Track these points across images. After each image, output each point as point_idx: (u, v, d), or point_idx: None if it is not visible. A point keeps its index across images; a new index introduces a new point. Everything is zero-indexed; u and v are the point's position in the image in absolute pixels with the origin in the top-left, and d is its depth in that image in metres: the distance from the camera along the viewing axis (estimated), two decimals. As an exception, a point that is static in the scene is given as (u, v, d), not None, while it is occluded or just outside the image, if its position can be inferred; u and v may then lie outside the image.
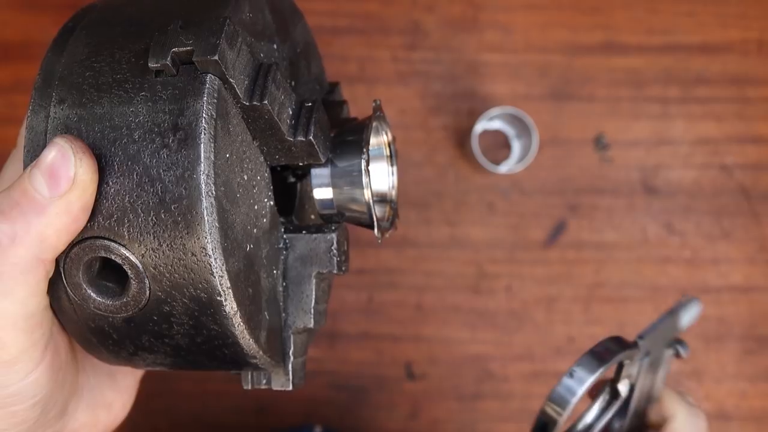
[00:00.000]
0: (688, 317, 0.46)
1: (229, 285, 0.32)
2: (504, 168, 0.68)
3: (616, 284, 0.70)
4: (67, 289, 0.33)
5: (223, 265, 0.32)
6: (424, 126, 0.70)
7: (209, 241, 0.31)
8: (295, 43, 0.41)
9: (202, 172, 0.31)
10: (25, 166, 0.33)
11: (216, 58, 0.31)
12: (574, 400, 0.38)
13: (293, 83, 0.41)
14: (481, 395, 0.69)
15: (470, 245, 0.70)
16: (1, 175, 0.38)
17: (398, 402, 0.69)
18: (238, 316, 0.33)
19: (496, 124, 0.70)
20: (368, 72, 0.71)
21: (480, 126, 0.67)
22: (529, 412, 0.69)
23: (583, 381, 0.38)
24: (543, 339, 0.69)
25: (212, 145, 0.31)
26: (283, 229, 0.39)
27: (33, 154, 0.33)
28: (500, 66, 0.71)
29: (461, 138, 0.70)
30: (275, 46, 0.38)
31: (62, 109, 0.33)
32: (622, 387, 0.43)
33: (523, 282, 0.70)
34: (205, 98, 0.32)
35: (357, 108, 0.70)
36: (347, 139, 0.39)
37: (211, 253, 0.31)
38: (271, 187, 0.38)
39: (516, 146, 0.70)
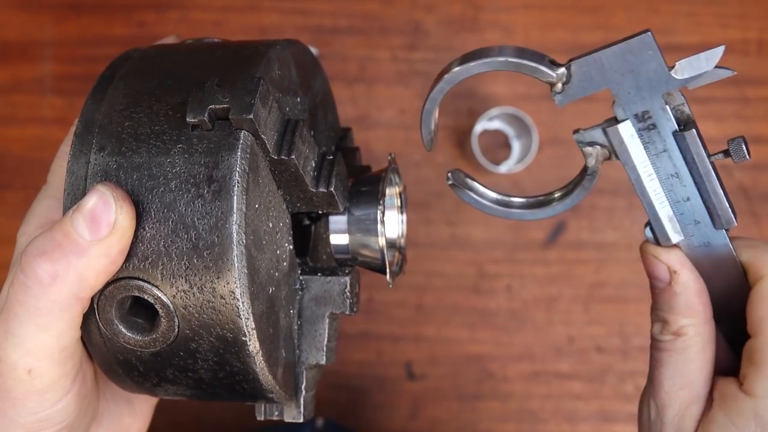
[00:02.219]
0: (691, 66, 0.35)
1: (253, 326, 0.34)
2: (504, 168, 0.68)
3: (616, 284, 0.70)
4: (99, 323, 0.35)
5: (249, 308, 0.34)
6: (424, 126, 0.70)
7: (238, 286, 0.33)
8: (315, 95, 0.44)
9: (234, 223, 0.33)
10: (66, 209, 0.35)
11: (251, 116, 0.33)
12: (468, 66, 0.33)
13: (312, 132, 0.43)
14: (481, 395, 0.69)
15: (470, 245, 0.70)
16: (31, 210, 0.40)
17: (398, 402, 0.69)
18: (260, 355, 0.35)
19: (496, 124, 0.70)
20: (368, 72, 0.71)
21: (480, 126, 0.67)
22: (529, 412, 0.69)
23: (475, 58, 0.33)
24: (543, 339, 0.69)
25: (244, 197, 0.34)
26: (299, 271, 0.41)
27: (74, 198, 0.35)
28: (500, 66, 0.71)
29: (461, 138, 0.70)
30: (298, 99, 0.41)
31: (102, 157, 0.35)
32: (590, 158, 0.35)
33: (523, 282, 0.70)
34: (239, 153, 0.34)
35: (357, 108, 0.70)
36: (363, 189, 0.42)
37: (239, 297, 0.33)
38: (291, 232, 0.40)
39: (516, 146, 0.70)
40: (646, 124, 0.35)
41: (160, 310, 0.34)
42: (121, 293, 0.34)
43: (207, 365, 0.36)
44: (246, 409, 0.70)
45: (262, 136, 0.34)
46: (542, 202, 0.38)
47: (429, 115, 0.35)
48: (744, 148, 0.35)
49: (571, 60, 0.35)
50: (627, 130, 0.35)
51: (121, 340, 0.35)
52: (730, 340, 0.38)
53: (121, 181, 0.34)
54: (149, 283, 0.34)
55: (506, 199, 0.38)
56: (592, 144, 0.36)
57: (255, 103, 0.33)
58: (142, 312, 0.36)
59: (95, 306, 0.35)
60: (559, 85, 0.35)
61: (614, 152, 0.35)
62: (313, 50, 0.69)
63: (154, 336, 0.35)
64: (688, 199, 0.36)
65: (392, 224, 0.48)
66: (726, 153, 0.36)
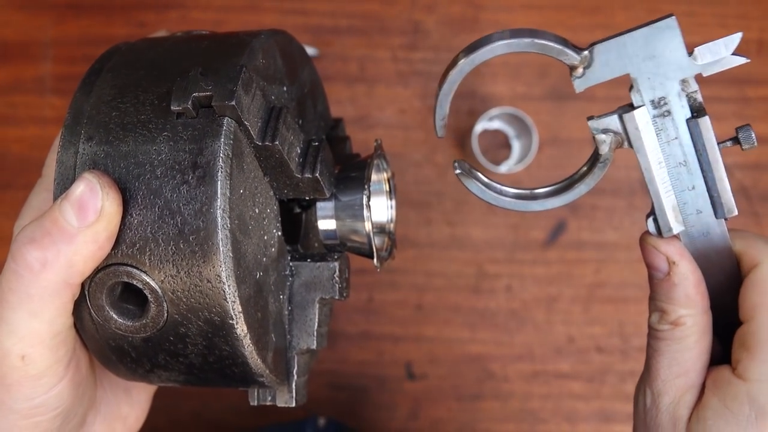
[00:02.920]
0: (710, 52, 0.34)
1: (240, 309, 0.35)
2: (504, 168, 0.68)
3: (616, 284, 0.70)
4: (91, 310, 0.36)
5: (235, 291, 0.34)
6: (424, 126, 0.70)
7: (224, 269, 0.34)
8: (302, 84, 0.44)
9: (218, 207, 0.34)
10: (55, 198, 0.35)
11: (233, 103, 0.34)
12: (485, 49, 0.34)
13: (300, 121, 0.43)
14: (481, 395, 0.69)
15: (470, 245, 0.70)
16: (27, 203, 0.41)
17: (398, 402, 0.69)
18: (248, 338, 0.36)
19: (496, 124, 0.70)
20: (368, 72, 0.71)
21: (480, 126, 0.67)
22: (529, 412, 0.69)
23: (503, 38, 0.34)
24: (543, 339, 0.69)
25: (228, 182, 0.34)
26: (289, 257, 0.42)
27: (63, 186, 0.36)
28: (500, 66, 0.71)
29: (461, 138, 0.70)
30: (285, 88, 0.41)
31: (90, 146, 0.36)
32: (603, 144, 0.36)
33: (523, 282, 0.70)
34: (222, 139, 0.34)
35: (356, 108, 0.70)
36: (350, 175, 0.42)
37: (225, 280, 0.34)
38: (280, 219, 0.40)
39: (516, 146, 0.70)
40: (661, 111, 0.35)
41: (149, 296, 0.35)
42: (110, 279, 0.35)
43: (197, 349, 0.36)
44: (247, 408, 0.70)
45: (245, 122, 0.35)
46: (556, 191, 0.38)
47: (446, 98, 0.35)
48: (752, 135, 0.36)
49: (593, 43, 0.34)
50: (643, 117, 0.35)
51: (112, 326, 0.36)
52: (717, 330, 0.39)
53: (108, 169, 0.35)
54: (138, 268, 0.35)
55: (513, 190, 0.38)
56: (605, 131, 0.36)
57: (237, 89, 0.34)
58: (133, 298, 0.36)
59: (86, 293, 0.36)
60: (581, 69, 0.35)
61: (628, 139, 0.36)
62: (313, 50, 0.69)
63: (144, 321, 0.36)
64: (693, 188, 0.36)
65: (380, 209, 0.48)
66: (735, 140, 0.36)
